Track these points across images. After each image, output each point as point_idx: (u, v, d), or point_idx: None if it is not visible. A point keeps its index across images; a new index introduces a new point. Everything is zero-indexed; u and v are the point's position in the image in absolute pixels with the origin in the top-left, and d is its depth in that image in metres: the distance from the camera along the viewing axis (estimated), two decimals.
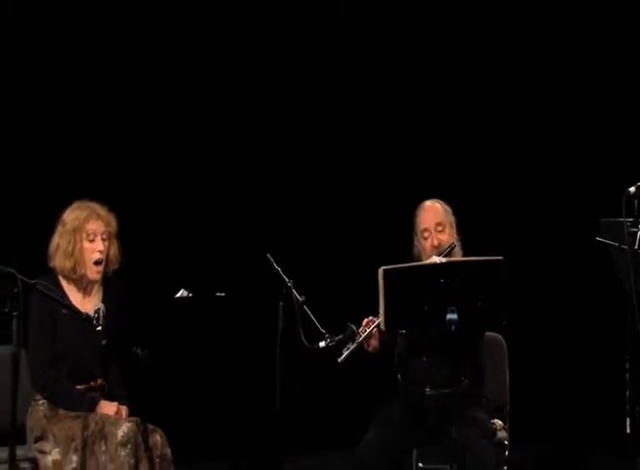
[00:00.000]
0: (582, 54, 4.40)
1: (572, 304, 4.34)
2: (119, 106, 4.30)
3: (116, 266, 2.99)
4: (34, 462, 2.87)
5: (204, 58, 4.37)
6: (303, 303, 2.94)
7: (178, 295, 2.91)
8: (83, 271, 2.92)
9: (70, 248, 2.89)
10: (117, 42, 4.25)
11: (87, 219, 2.90)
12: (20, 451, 2.73)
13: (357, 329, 2.92)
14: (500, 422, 3.09)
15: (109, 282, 3.01)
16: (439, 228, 3.01)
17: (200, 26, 4.34)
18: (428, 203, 3.08)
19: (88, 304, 2.96)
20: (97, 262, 2.93)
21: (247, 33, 4.38)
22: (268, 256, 2.98)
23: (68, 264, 2.90)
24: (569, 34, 4.39)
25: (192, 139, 4.44)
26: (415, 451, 3.07)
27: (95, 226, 2.90)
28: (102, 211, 2.94)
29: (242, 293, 3.16)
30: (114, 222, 2.96)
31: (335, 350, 2.90)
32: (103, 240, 2.93)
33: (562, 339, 4.35)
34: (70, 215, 2.93)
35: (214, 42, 4.37)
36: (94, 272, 2.93)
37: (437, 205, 3.07)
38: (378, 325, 2.88)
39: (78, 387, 2.91)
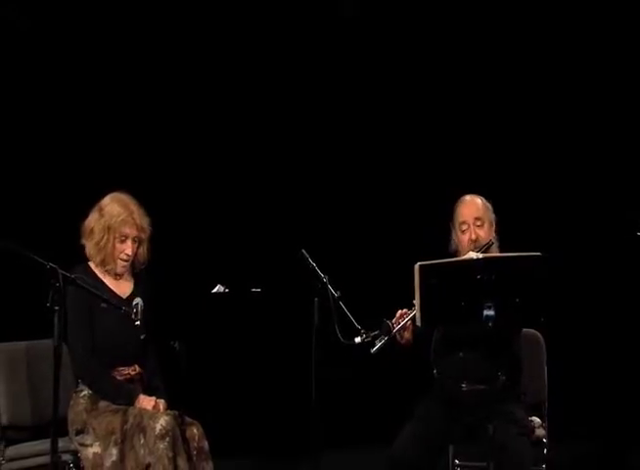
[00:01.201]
0: (619, 49, 4.32)
1: (613, 299, 4.27)
2: (157, 101, 4.36)
3: (143, 266, 3.07)
4: (76, 455, 2.92)
5: (230, 58, 4.41)
6: (339, 298, 2.93)
7: (215, 290, 2.94)
8: (112, 266, 3.01)
9: (103, 243, 2.97)
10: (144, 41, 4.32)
11: (123, 223, 2.97)
12: (61, 443, 2.78)
13: (392, 324, 2.90)
14: (538, 420, 3.06)
15: (140, 275, 3.08)
16: (478, 223, 2.99)
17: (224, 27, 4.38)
18: (468, 197, 3.05)
19: (123, 286, 3.04)
20: (122, 261, 3.01)
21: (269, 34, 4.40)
22: (303, 251, 2.98)
23: (98, 258, 2.99)
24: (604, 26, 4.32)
25: (230, 136, 4.48)
26: (451, 448, 3.06)
27: (128, 231, 2.98)
28: (138, 216, 3.01)
29: (277, 288, 3.17)
30: (147, 229, 3.03)
31: (370, 345, 2.89)
32: (133, 242, 3.01)
33: (602, 335, 4.29)
34: (109, 208, 2.99)
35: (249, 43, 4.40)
36: (120, 267, 3.02)
37: (478, 200, 3.04)
38: (412, 318, 2.85)
39: (117, 377, 2.96)
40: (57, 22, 4.21)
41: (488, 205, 3.05)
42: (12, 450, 3.00)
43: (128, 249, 2.99)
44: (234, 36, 4.41)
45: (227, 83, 4.45)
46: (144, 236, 3.02)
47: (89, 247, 3.00)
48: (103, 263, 2.99)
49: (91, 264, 3.02)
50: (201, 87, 4.44)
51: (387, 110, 4.52)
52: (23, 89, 4.20)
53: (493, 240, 3.00)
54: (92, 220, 3.00)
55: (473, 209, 3.00)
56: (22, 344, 3.15)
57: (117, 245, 2.98)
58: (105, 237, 2.96)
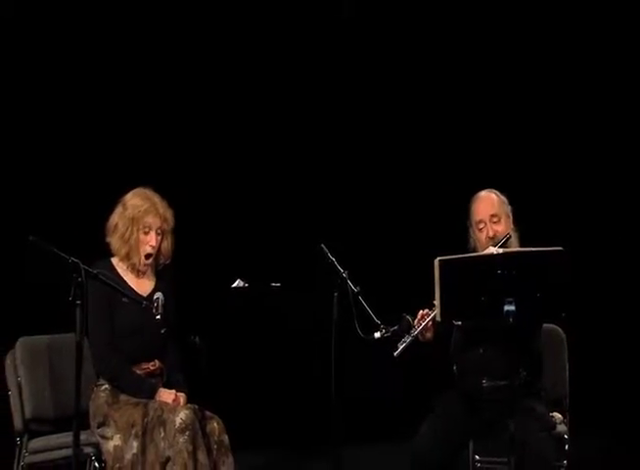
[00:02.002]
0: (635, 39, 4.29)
1: (635, 295, 4.23)
2: (182, 96, 4.40)
3: (168, 261, 3.07)
4: (98, 447, 2.94)
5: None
6: (358, 293, 2.92)
7: (234, 285, 2.95)
8: (136, 260, 3.01)
9: (127, 235, 2.98)
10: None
11: (146, 213, 2.98)
12: (83, 436, 2.81)
13: (412, 320, 2.90)
14: (559, 415, 3.04)
15: (162, 272, 3.09)
16: (495, 219, 2.97)
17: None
18: (483, 193, 3.04)
19: (144, 284, 3.05)
20: (147, 256, 3.02)
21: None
22: (322, 246, 2.98)
23: (124, 251, 3.00)
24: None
25: (248, 132, 4.51)
26: (471, 444, 3.04)
27: (152, 221, 2.99)
28: (161, 207, 3.02)
29: (297, 283, 3.18)
30: (170, 219, 3.04)
31: (390, 340, 2.89)
32: (157, 234, 3.01)
33: (623, 330, 4.25)
34: (132, 201, 3.01)
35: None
36: (143, 262, 3.02)
37: (493, 195, 3.02)
38: (433, 318, 2.85)
39: (137, 371, 2.97)
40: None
41: (503, 198, 3.02)
42: (35, 443, 3.02)
43: (152, 240, 2.99)
44: (238, 37, 4.43)
45: (240, 82, 4.47)
46: (167, 227, 3.03)
47: (114, 241, 3.00)
48: (128, 257, 2.99)
49: (113, 261, 3.03)
50: (215, 85, 4.47)
51: (404, 105, 4.52)
52: (42, 84, 4.23)
53: (511, 232, 2.98)
54: (116, 216, 3.02)
55: (488, 206, 2.98)
56: (45, 337, 3.17)
57: (142, 236, 2.98)
58: (129, 229, 2.97)
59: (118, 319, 2.96)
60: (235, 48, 4.46)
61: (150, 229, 2.99)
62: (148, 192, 3.04)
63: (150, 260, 3.03)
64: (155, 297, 3.03)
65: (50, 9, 4.20)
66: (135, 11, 4.30)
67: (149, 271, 3.06)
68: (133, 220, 2.98)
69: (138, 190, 3.05)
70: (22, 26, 4.19)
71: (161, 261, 3.08)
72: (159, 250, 3.04)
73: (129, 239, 2.97)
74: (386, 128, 4.57)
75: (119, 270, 3.02)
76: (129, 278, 3.02)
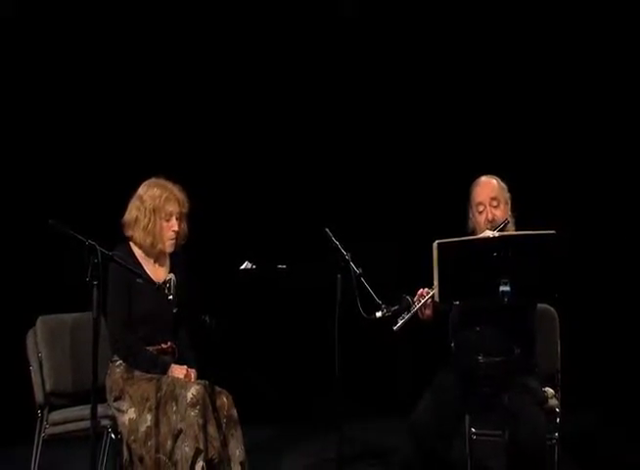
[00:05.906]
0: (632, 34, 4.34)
1: (626, 275, 4.33)
2: (190, 84, 4.49)
3: (184, 242, 3.17)
4: (114, 420, 3.05)
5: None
6: (360, 275, 3.01)
7: (243, 267, 3.05)
8: (161, 246, 3.12)
9: (151, 226, 3.07)
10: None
11: (167, 201, 3.08)
12: (100, 410, 2.91)
13: (412, 300, 2.98)
14: (551, 390, 3.13)
15: (175, 255, 3.19)
16: (494, 203, 3.04)
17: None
18: (484, 178, 3.11)
19: (159, 272, 3.16)
20: (170, 240, 3.12)
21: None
22: (327, 230, 3.06)
23: (149, 241, 3.09)
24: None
25: (256, 119, 4.60)
26: (468, 417, 3.14)
27: (172, 208, 3.09)
28: (178, 193, 3.12)
29: (302, 265, 3.27)
30: (187, 204, 3.14)
31: (391, 320, 2.96)
32: (177, 220, 3.12)
33: (613, 309, 4.34)
34: (149, 193, 3.10)
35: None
36: (169, 246, 3.13)
37: (494, 181, 3.10)
38: (432, 296, 2.94)
39: (150, 349, 3.08)
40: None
41: (503, 185, 3.10)
42: (55, 415, 3.14)
43: (174, 226, 3.09)
44: (240, 35, 4.49)
45: (248, 76, 4.55)
46: (184, 211, 3.13)
47: (137, 234, 3.09)
48: (153, 246, 3.08)
49: (132, 246, 3.12)
50: (226, 77, 4.55)
51: (406, 92, 4.59)
52: (44, 82, 4.32)
53: (509, 219, 3.06)
54: (134, 210, 3.10)
55: (489, 189, 3.06)
56: (64, 316, 3.28)
57: (164, 224, 3.08)
58: (152, 220, 3.06)
59: (136, 304, 3.05)
60: (238, 46, 4.52)
61: (171, 216, 3.08)
62: (161, 181, 3.13)
63: (174, 241, 3.12)
64: (167, 277, 3.14)
65: (50, 9, 4.25)
66: (139, 10, 4.37)
67: (165, 259, 3.15)
68: (154, 211, 3.06)
69: (151, 181, 3.13)
70: (22, 26, 4.25)
71: (180, 242, 3.17)
72: (177, 233, 3.13)
73: (153, 229, 3.06)
74: (388, 115, 4.64)
75: (137, 255, 3.12)
76: (146, 264, 3.12)
